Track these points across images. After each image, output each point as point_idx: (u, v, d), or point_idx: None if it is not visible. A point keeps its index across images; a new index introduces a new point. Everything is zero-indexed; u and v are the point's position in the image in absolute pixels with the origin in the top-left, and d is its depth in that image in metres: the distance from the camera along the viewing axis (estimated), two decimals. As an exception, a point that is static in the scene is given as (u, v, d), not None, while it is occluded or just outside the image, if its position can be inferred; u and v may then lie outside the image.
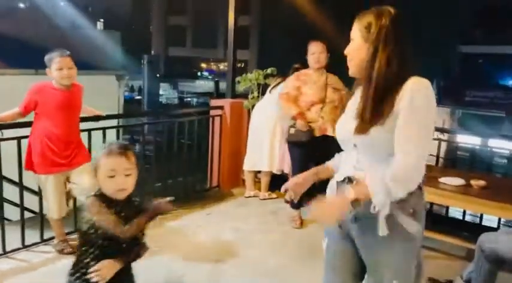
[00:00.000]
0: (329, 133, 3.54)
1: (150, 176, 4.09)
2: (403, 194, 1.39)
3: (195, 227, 3.65)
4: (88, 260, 1.59)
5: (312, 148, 3.52)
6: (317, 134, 3.57)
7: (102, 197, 1.60)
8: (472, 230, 3.15)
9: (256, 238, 3.47)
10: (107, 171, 1.56)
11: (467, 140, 5.06)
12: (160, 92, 25.95)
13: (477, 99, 18.95)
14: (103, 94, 8.31)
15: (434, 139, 4.18)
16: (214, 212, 4.02)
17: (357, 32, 1.50)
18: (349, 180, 1.52)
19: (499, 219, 3.45)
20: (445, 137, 4.36)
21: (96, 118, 3.34)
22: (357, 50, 1.50)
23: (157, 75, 25.32)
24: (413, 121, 1.39)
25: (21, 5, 19.83)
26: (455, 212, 4.01)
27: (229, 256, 3.13)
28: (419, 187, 1.46)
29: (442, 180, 2.83)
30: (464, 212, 3.62)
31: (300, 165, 3.61)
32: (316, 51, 3.58)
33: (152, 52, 29.82)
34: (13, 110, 2.86)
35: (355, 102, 1.53)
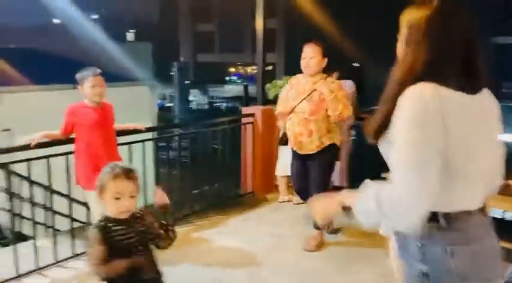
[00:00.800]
0: (291, 147, 3.33)
1: (186, 183, 4.25)
2: (388, 221, 1.19)
3: (231, 233, 3.76)
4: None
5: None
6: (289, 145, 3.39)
7: (107, 222, 1.68)
8: (512, 230, 3.09)
9: (291, 242, 3.53)
10: (114, 193, 1.64)
11: (505, 137, 4.93)
12: (190, 98, 26.47)
13: (515, 91, 18.28)
14: (138, 104, 8.63)
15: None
16: (249, 218, 4.12)
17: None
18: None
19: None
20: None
21: (135, 131, 3.50)
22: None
23: (187, 81, 25.84)
24: (398, 141, 1.14)
25: (56, 21, 20.75)
26: (495, 212, 3.93)
27: (265, 261, 3.21)
28: (437, 219, 1.18)
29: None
30: (504, 212, 3.55)
31: None
32: (306, 56, 3.24)
33: (181, 59, 30.42)
34: (55, 132, 3.03)
35: None
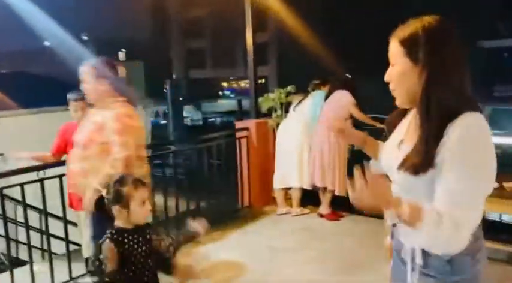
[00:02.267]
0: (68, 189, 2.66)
1: (183, 200, 4.22)
2: (441, 251, 1.19)
3: (230, 247, 3.73)
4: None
5: None
6: None
7: (118, 232, 1.75)
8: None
9: (292, 256, 3.50)
10: (140, 200, 1.76)
11: (499, 139, 4.97)
12: (184, 114, 26.47)
13: (507, 94, 18.42)
14: (131, 123, 8.61)
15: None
16: (248, 231, 4.09)
17: (399, 52, 1.21)
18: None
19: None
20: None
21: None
22: (403, 75, 1.21)
23: (181, 98, 25.89)
24: (459, 170, 1.12)
25: (47, 43, 20.83)
26: (492, 215, 3.93)
27: (267, 275, 3.18)
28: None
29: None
30: (500, 215, 3.56)
31: None
32: None
33: (174, 76, 30.55)
34: (45, 153, 3.03)
35: (400, 131, 1.34)
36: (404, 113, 1.36)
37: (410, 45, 1.18)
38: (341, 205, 4.39)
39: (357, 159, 4.58)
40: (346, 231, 3.99)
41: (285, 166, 4.43)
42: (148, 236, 1.81)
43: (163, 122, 24.66)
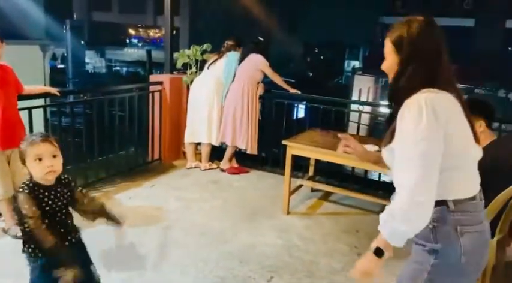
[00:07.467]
0: None
1: (92, 151, 4.17)
2: (412, 230, 1.33)
3: (140, 198, 3.84)
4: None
5: None
6: None
7: (34, 186, 1.72)
8: (388, 190, 3.68)
9: (200, 206, 3.75)
10: (34, 156, 1.70)
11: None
12: (86, 60, 24.61)
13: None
14: (27, 66, 7.88)
15: (355, 111, 4.70)
16: (158, 184, 4.22)
17: (390, 49, 1.46)
18: None
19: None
20: (366, 109, 4.94)
21: (37, 96, 3.35)
22: (392, 67, 1.47)
23: (82, 42, 23.92)
24: (401, 146, 1.33)
25: None
26: (373, 174, 4.58)
27: (176, 222, 3.39)
28: (447, 204, 1.36)
29: (361, 147, 3.30)
30: (379, 174, 4.17)
31: None
32: None
33: (74, 17, 27.86)
34: None
35: None
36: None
37: (397, 45, 1.44)
38: (248, 161, 4.73)
39: (267, 121, 4.89)
40: (250, 185, 4.35)
41: (196, 122, 4.58)
42: (68, 192, 1.80)
43: (61, 66, 22.71)
